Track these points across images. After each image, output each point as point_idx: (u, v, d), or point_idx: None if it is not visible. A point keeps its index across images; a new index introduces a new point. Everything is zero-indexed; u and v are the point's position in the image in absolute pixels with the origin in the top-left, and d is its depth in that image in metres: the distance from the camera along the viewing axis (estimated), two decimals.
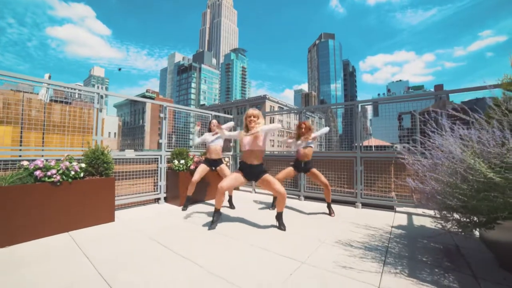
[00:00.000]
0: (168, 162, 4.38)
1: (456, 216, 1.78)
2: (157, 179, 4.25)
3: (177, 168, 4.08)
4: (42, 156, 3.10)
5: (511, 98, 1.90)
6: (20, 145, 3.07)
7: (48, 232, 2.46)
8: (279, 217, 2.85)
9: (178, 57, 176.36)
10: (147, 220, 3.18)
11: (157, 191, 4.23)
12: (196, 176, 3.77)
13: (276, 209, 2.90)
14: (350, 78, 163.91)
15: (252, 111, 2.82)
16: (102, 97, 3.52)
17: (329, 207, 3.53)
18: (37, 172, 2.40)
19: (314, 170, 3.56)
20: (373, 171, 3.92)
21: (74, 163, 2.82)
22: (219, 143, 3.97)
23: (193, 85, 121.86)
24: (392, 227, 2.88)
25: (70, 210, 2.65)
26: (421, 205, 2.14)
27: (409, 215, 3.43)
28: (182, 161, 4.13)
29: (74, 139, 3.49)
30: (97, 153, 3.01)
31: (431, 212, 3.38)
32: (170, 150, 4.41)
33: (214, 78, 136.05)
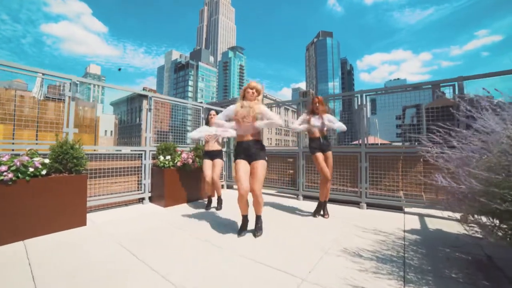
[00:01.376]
0: (153, 158, 3.98)
1: (496, 222, 1.41)
2: (141, 177, 3.85)
3: (162, 164, 3.68)
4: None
5: None
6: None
7: None
8: (257, 220, 2.45)
9: (175, 55, 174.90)
10: (124, 223, 2.78)
11: (140, 190, 3.83)
12: (208, 173, 3.43)
13: (255, 212, 2.44)
14: (348, 76, 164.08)
15: (254, 83, 2.45)
16: (76, 84, 3.10)
17: (324, 206, 3.13)
18: None
19: (331, 154, 3.08)
20: (379, 168, 3.56)
21: (36, 159, 2.41)
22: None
23: (190, 83, 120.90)
24: (404, 231, 2.51)
25: (27, 213, 2.23)
26: (448, 208, 1.77)
27: (421, 216, 3.07)
28: (168, 157, 3.73)
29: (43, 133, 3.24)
30: (66, 147, 2.60)
31: (446, 213, 3.04)
32: (155, 145, 4.00)
33: (211, 76, 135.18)
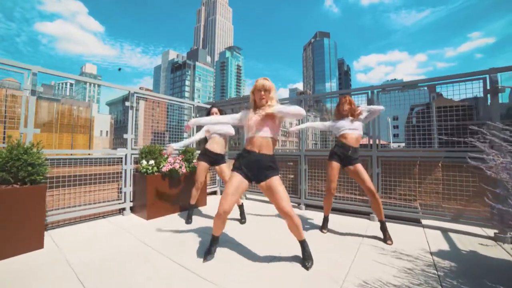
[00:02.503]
0: (136, 162, 3.50)
1: None
2: (121, 184, 3.36)
3: (144, 170, 3.20)
4: None
5: None
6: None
7: None
8: (303, 247, 1.93)
9: (172, 55, 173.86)
10: (93, 243, 2.30)
11: (121, 199, 3.34)
12: (201, 179, 3.00)
13: (296, 237, 1.95)
14: (345, 77, 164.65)
15: (262, 81, 1.89)
16: (35, 74, 2.60)
17: (383, 229, 2.41)
18: None
19: (360, 166, 2.47)
20: (392, 174, 3.13)
21: None
22: (227, 131, 3.13)
23: (187, 82, 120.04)
24: (431, 253, 2.07)
25: None
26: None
27: (444, 232, 2.64)
28: (152, 162, 3.25)
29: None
30: (17, 152, 2.11)
31: (472, 229, 2.61)
32: (138, 147, 3.52)
33: (208, 76, 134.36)
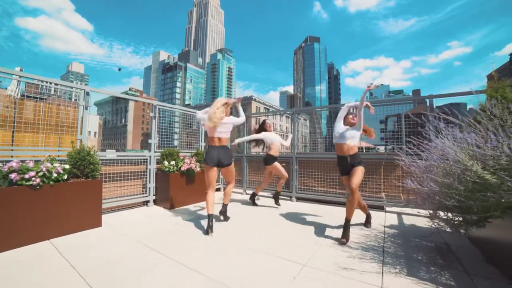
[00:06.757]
0: (157, 163, 4.23)
1: (449, 215, 1.85)
2: (146, 181, 4.08)
3: (167, 169, 3.94)
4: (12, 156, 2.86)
5: (496, 104, 2.00)
6: (12, 144, 2.89)
7: (27, 240, 2.25)
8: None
9: (163, 56, 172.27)
10: (136, 224, 3.03)
11: (146, 193, 4.06)
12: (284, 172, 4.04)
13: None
14: (334, 81, 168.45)
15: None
16: (88, 93, 3.31)
17: (346, 226, 2.48)
18: (13, 175, 2.20)
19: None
20: (364, 173, 4.01)
21: (56, 165, 2.62)
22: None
23: (178, 84, 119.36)
24: (385, 226, 2.96)
25: (52, 215, 2.45)
26: (416, 205, 2.21)
27: (399, 214, 3.55)
28: (173, 162, 4.00)
29: (50, 138, 3.20)
30: (83, 154, 2.83)
31: (422, 212, 3.54)
32: (159, 150, 4.25)
33: (200, 77, 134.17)
